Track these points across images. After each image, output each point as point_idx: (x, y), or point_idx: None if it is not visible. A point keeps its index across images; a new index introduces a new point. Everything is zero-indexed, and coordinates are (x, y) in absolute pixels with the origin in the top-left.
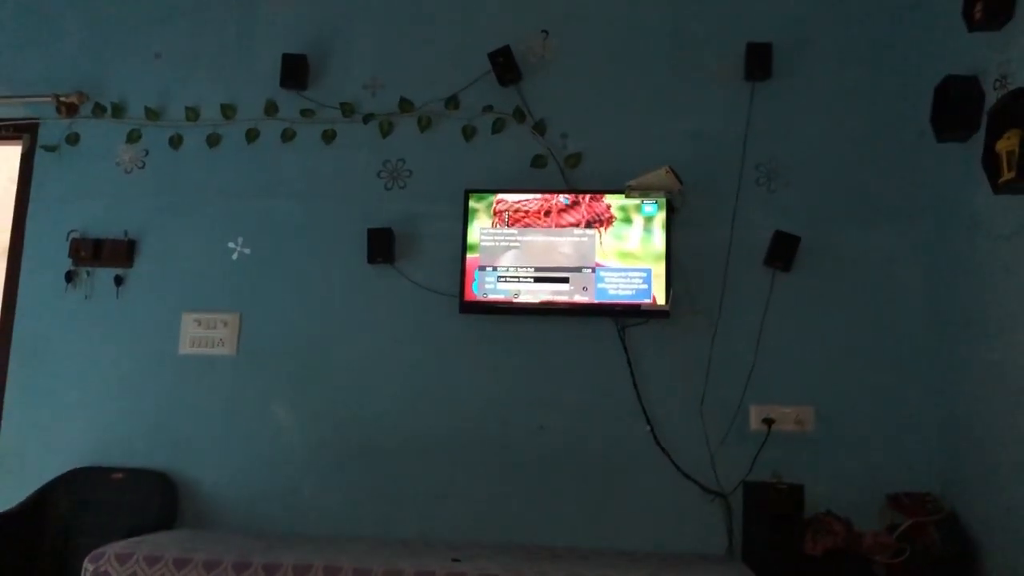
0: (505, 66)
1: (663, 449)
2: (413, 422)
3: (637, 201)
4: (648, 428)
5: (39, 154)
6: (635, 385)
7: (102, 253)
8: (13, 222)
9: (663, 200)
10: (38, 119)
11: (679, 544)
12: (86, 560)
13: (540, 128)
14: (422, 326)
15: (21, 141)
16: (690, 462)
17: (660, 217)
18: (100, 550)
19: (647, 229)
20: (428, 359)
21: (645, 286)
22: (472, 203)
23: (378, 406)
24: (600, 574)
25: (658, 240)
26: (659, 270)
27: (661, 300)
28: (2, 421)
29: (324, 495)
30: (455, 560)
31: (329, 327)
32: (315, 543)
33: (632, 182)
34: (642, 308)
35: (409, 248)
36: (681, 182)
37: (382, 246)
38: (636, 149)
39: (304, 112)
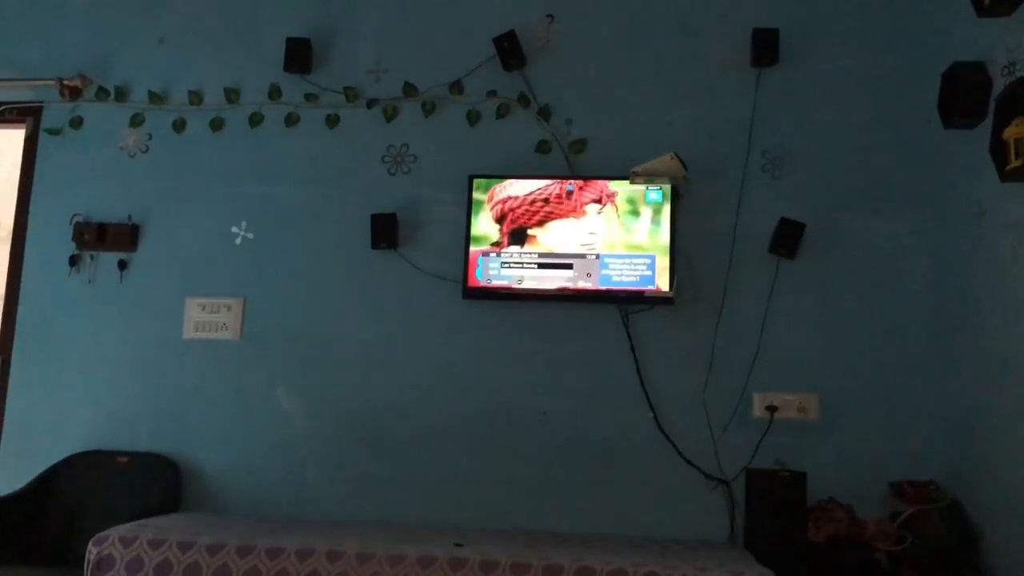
0: (510, 51)
1: (666, 435)
2: (416, 407)
3: (642, 188)
4: (651, 414)
5: (43, 137)
6: (638, 371)
7: (106, 237)
8: (17, 206)
9: (668, 187)
10: (42, 102)
11: (681, 530)
12: (90, 543)
13: (545, 113)
14: (425, 312)
15: (25, 124)
16: (693, 449)
17: (665, 204)
18: (104, 533)
19: (653, 217)
20: (431, 345)
21: (649, 273)
22: (478, 195)
23: (381, 391)
24: (603, 560)
25: (663, 227)
26: (663, 257)
27: (665, 287)
28: (7, 405)
29: (327, 480)
30: (457, 545)
31: (332, 312)
32: (318, 527)
33: (637, 168)
34: (646, 295)
35: (413, 233)
36: (686, 168)
37: (386, 231)
38: (641, 135)
39: (308, 96)
